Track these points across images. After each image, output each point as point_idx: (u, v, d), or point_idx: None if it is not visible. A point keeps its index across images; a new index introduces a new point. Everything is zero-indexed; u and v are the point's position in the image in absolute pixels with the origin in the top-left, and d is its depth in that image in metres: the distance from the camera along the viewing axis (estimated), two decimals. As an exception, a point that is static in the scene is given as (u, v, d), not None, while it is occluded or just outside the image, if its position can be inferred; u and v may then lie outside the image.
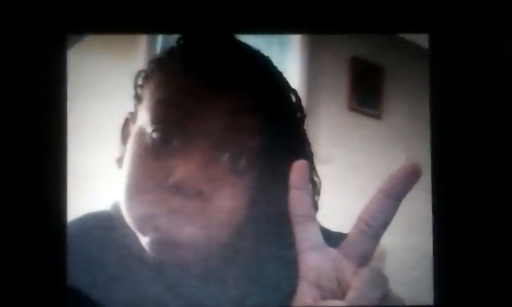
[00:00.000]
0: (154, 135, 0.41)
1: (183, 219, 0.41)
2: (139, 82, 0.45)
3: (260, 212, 0.43)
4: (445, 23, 0.49)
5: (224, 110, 0.41)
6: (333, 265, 0.35)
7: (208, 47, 0.45)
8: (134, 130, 0.43)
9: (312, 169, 0.45)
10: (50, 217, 0.46)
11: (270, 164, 0.43)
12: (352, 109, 0.49)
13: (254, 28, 0.47)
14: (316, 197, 0.45)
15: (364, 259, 0.35)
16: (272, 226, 0.43)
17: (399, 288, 0.36)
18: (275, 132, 0.43)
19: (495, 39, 0.50)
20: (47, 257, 0.46)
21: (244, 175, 0.42)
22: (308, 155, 0.45)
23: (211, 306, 0.43)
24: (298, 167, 0.36)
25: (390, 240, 0.36)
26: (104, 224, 0.44)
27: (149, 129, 0.42)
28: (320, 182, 0.45)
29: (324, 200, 0.45)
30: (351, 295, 0.33)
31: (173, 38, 0.45)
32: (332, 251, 0.35)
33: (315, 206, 0.44)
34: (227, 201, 0.42)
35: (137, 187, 0.42)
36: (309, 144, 0.45)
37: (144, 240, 0.42)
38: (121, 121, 0.45)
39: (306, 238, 0.35)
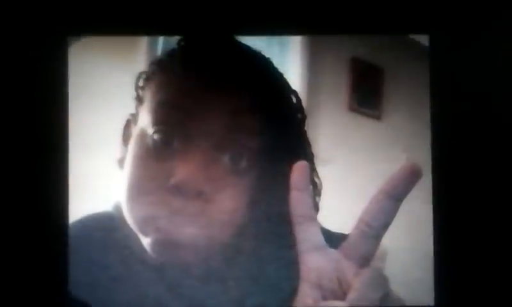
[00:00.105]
0: (155, 136, 0.42)
1: (184, 220, 0.41)
2: (140, 83, 0.45)
3: (261, 212, 0.43)
4: (445, 24, 0.49)
5: (224, 111, 0.42)
6: (333, 266, 0.35)
7: (209, 49, 0.46)
8: (135, 131, 0.44)
9: (313, 170, 0.45)
10: (52, 218, 0.46)
11: (270, 165, 0.43)
12: (352, 109, 0.49)
13: (254, 29, 0.47)
14: (317, 198, 0.45)
15: (365, 260, 0.35)
16: (273, 227, 0.43)
17: (399, 288, 0.36)
18: (276, 133, 0.43)
19: (495, 39, 0.50)
20: (49, 258, 0.46)
21: (244, 176, 0.42)
22: (308, 156, 0.45)
23: (212, 306, 0.43)
24: (299, 168, 0.36)
25: (390, 240, 0.36)
26: (105, 225, 0.44)
27: (150, 130, 0.42)
28: (321, 183, 0.45)
29: (324, 201, 0.45)
30: (352, 296, 0.33)
31: (173, 40, 0.46)
32: (333, 252, 0.35)
33: (316, 207, 0.44)
34: (228, 202, 0.42)
35: (139, 188, 0.42)
36: (309, 145, 0.45)
37: (146, 241, 0.42)
38: (123, 123, 0.45)
39: (307, 238, 0.36)
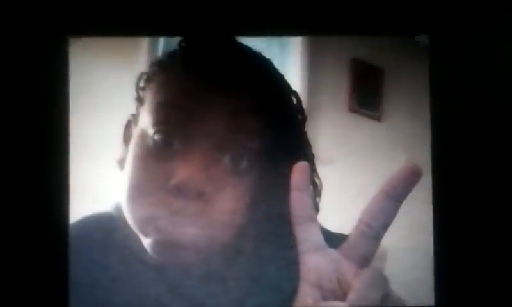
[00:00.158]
0: (156, 137, 0.42)
1: (184, 220, 0.41)
2: (141, 84, 0.45)
3: (261, 213, 0.43)
4: (445, 25, 0.49)
5: (225, 111, 0.42)
6: (333, 266, 0.35)
7: (210, 49, 0.46)
8: (135, 132, 0.44)
9: (313, 170, 0.45)
10: (52, 218, 0.46)
11: (271, 166, 0.43)
12: (352, 110, 0.49)
13: (255, 30, 0.47)
14: (317, 199, 0.45)
15: (365, 260, 0.35)
16: (273, 227, 0.43)
17: (399, 288, 0.36)
18: (276, 134, 0.43)
19: (494, 40, 0.50)
20: (49, 258, 0.46)
21: (245, 176, 0.42)
22: (308, 157, 0.45)
23: (212, 306, 0.43)
24: (299, 169, 0.36)
25: (390, 240, 0.36)
26: (106, 226, 0.44)
27: (151, 131, 0.42)
28: (321, 183, 0.45)
29: (324, 201, 0.45)
30: (352, 296, 0.33)
31: (174, 41, 0.46)
32: (333, 252, 0.36)
33: (316, 208, 0.44)
34: (228, 202, 0.42)
35: (139, 188, 0.42)
36: (310, 146, 0.45)
37: (146, 242, 0.42)
38: (123, 123, 0.45)
39: (307, 239, 0.36)
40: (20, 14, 0.48)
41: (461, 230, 0.48)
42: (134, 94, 0.45)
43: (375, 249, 0.35)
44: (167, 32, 0.47)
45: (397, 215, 0.35)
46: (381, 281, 0.34)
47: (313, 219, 0.36)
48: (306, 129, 0.46)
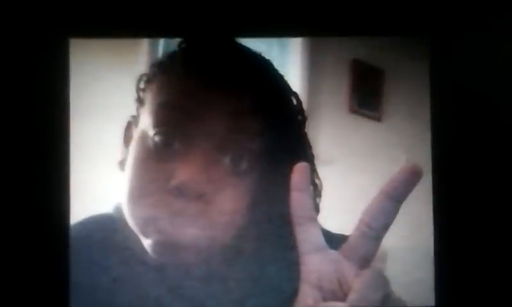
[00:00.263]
0: (156, 138, 0.42)
1: (185, 221, 0.41)
2: (141, 85, 0.45)
3: (262, 213, 0.43)
4: (445, 25, 0.49)
5: (225, 112, 0.42)
6: (334, 267, 0.35)
7: (210, 50, 0.46)
8: (136, 133, 0.44)
9: (313, 171, 0.45)
10: (53, 219, 0.46)
11: (271, 166, 0.43)
12: (352, 111, 0.49)
13: (255, 31, 0.47)
14: (317, 199, 0.45)
15: (365, 261, 0.35)
16: (273, 228, 0.43)
17: (400, 289, 0.36)
18: (276, 134, 0.43)
19: (495, 40, 0.50)
20: (50, 259, 0.46)
21: (245, 177, 0.42)
22: (309, 157, 0.45)
23: (213, 307, 0.43)
24: (299, 169, 0.36)
25: (391, 241, 0.36)
26: (106, 227, 0.44)
27: (151, 132, 0.42)
28: (321, 184, 0.45)
29: (325, 202, 0.45)
30: (352, 297, 0.33)
31: (174, 42, 0.46)
32: (333, 253, 0.36)
33: (317, 208, 0.44)
34: (228, 203, 0.42)
35: (140, 189, 0.42)
36: (310, 146, 0.45)
37: (147, 242, 0.42)
38: (124, 125, 0.45)
39: (308, 240, 0.36)
40: (21, 15, 0.48)
41: (462, 230, 0.48)
42: (134, 95, 0.45)
43: (375, 249, 0.35)
44: (167, 34, 0.47)
45: (397, 216, 0.35)
46: (382, 281, 0.34)
47: (314, 220, 0.36)
48: (306, 130, 0.46)
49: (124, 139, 0.45)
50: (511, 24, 0.50)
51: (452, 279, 0.47)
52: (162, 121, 0.42)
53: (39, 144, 0.47)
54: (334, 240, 0.36)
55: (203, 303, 0.43)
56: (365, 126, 0.49)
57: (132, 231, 0.42)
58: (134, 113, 0.45)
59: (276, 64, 0.45)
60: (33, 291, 0.46)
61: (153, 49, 0.47)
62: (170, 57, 0.45)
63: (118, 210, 0.43)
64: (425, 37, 0.49)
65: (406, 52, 0.49)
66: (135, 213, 0.42)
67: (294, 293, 0.36)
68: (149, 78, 0.45)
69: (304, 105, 0.46)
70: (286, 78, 0.45)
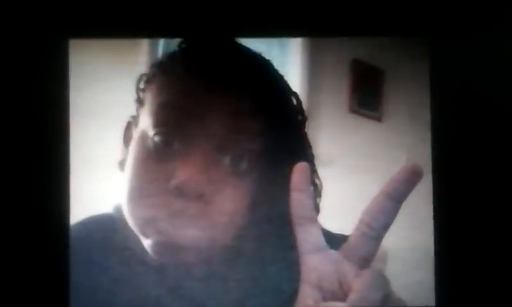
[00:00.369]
0: (156, 138, 0.42)
1: (185, 222, 0.41)
2: (141, 85, 0.45)
3: (262, 214, 0.43)
4: (445, 25, 0.49)
5: (225, 112, 0.42)
6: (334, 267, 0.35)
7: (210, 51, 0.46)
8: (136, 133, 0.44)
9: (313, 171, 0.45)
10: (53, 219, 0.46)
11: (271, 166, 0.43)
12: (352, 111, 0.49)
13: (255, 31, 0.47)
14: (317, 199, 0.45)
15: (365, 261, 0.35)
16: (273, 228, 0.43)
17: (400, 289, 0.36)
18: (276, 135, 0.43)
19: (495, 40, 0.50)
20: (50, 259, 0.46)
21: (245, 177, 0.42)
22: (309, 157, 0.45)
23: (213, 307, 0.43)
24: (299, 170, 0.36)
25: (391, 241, 0.36)
26: (106, 227, 0.44)
27: (151, 132, 0.42)
28: (321, 184, 0.45)
29: (325, 202, 0.45)
30: (353, 297, 0.33)
31: (174, 42, 0.46)
32: (333, 253, 0.35)
33: (317, 208, 0.44)
34: (228, 204, 0.42)
35: (140, 190, 0.42)
36: (310, 147, 0.45)
37: (147, 243, 0.42)
38: (123, 125, 0.45)
39: (308, 240, 0.36)
40: (20, 15, 0.48)
41: (462, 230, 0.48)
42: (134, 95, 0.45)
43: (375, 249, 0.35)
44: (167, 34, 0.47)
45: (397, 216, 0.35)
46: (382, 281, 0.34)
47: (314, 220, 0.36)
48: (306, 130, 0.46)
49: (124, 139, 0.45)
50: (511, 24, 0.50)
51: (452, 279, 0.47)
52: (162, 121, 0.42)
53: (39, 145, 0.47)
54: (334, 240, 0.36)
55: (203, 303, 0.43)
56: (365, 127, 0.49)
57: (132, 231, 0.42)
58: (134, 113, 0.45)
59: (276, 64, 0.45)
60: (33, 292, 0.46)
61: (153, 49, 0.47)
62: (170, 57, 0.45)
63: (118, 210, 0.43)
64: (426, 37, 0.49)
65: (406, 52, 0.49)
66: (135, 213, 0.42)
67: (294, 293, 0.36)
68: (149, 79, 0.45)
69: (304, 105, 0.46)
70: (286, 78, 0.45)
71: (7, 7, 0.48)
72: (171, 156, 0.41)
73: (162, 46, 0.47)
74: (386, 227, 0.35)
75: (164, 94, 0.43)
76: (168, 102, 0.42)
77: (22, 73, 0.48)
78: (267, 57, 0.45)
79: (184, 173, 0.41)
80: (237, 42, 0.46)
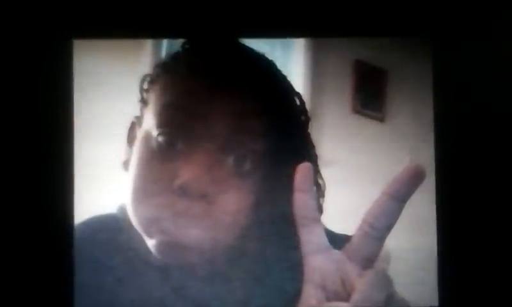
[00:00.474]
0: (160, 138, 0.42)
1: (188, 222, 0.41)
2: (145, 86, 0.45)
3: (265, 214, 0.43)
4: (447, 25, 0.49)
5: (228, 113, 0.42)
6: (337, 267, 0.35)
7: (213, 51, 0.46)
8: (139, 133, 0.44)
9: (316, 171, 0.45)
10: (57, 219, 0.46)
11: (274, 167, 0.43)
12: (355, 111, 0.49)
13: (258, 32, 0.47)
14: (320, 200, 0.45)
15: (368, 261, 0.35)
16: (277, 228, 0.43)
17: (403, 289, 0.36)
18: (279, 135, 0.43)
19: (497, 41, 0.50)
20: (54, 259, 0.46)
21: (248, 178, 0.42)
22: (312, 158, 0.45)
23: (216, 307, 0.43)
24: (302, 170, 0.36)
25: (394, 241, 0.36)
26: (110, 227, 0.44)
27: (155, 132, 0.42)
28: (324, 184, 0.45)
29: (328, 202, 0.45)
30: (356, 297, 0.33)
31: (178, 43, 0.46)
32: (337, 253, 0.36)
33: (320, 209, 0.44)
34: (232, 204, 0.42)
35: (143, 190, 0.42)
36: (313, 147, 0.45)
37: (150, 243, 0.42)
38: (128, 125, 0.45)
39: (311, 240, 0.36)
40: (24, 16, 0.48)
41: (465, 231, 0.48)
42: (138, 96, 0.45)
43: (378, 249, 0.35)
44: (170, 34, 0.47)
45: (400, 216, 0.35)
46: (385, 281, 0.34)
47: (317, 220, 0.36)
48: (309, 130, 0.46)
49: (128, 139, 0.45)
50: (512, 24, 0.50)
51: (455, 279, 0.47)
52: (166, 121, 0.42)
53: (43, 145, 0.47)
54: (337, 241, 0.36)
55: (207, 303, 0.43)
56: (368, 127, 0.49)
57: (136, 231, 0.42)
58: (138, 113, 0.45)
59: (279, 64, 0.45)
60: (37, 291, 0.47)
61: (156, 50, 0.47)
62: (174, 57, 0.45)
63: (122, 210, 0.43)
64: (428, 38, 0.49)
65: (409, 52, 0.49)
66: (139, 213, 0.42)
67: (298, 293, 0.36)
68: (153, 79, 0.45)
69: (308, 106, 0.46)
70: (289, 78, 0.45)
71: (11, 7, 0.48)
72: (175, 156, 0.42)
73: (165, 46, 0.47)
74: (389, 227, 0.35)
75: (168, 95, 0.43)
76: (172, 102, 0.42)
77: (26, 74, 0.48)
78: (270, 58, 0.45)
79: (188, 173, 0.41)
80: (240, 42, 0.46)
